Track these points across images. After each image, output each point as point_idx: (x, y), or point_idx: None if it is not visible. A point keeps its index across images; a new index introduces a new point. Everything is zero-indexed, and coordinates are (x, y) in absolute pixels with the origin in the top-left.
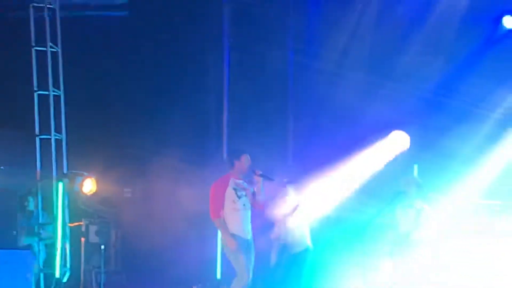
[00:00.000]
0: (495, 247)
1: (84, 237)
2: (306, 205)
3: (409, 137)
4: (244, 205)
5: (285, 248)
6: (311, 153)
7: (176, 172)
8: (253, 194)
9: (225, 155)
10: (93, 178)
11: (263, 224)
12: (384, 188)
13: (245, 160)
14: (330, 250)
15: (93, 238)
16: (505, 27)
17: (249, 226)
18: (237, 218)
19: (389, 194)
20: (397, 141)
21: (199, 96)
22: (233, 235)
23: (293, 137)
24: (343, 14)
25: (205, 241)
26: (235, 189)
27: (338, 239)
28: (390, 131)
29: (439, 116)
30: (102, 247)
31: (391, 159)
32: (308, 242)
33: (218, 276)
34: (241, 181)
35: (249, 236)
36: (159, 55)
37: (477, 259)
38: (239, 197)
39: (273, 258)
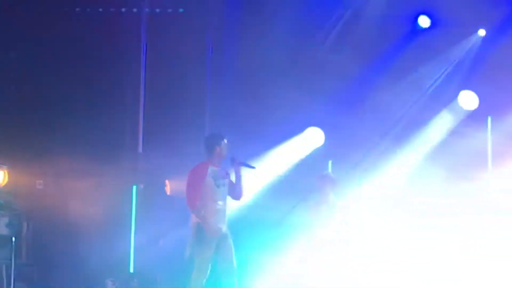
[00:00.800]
0: (410, 241)
1: None
2: None
3: (323, 133)
4: (222, 195)
5: None
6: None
7: (90, 165)
8: (232, 183)
9: (140, 148)
10: (4, 169)
11: (179, 218)
12: (299, 184)
13: (225, 146)
14: (243, 248)
15: (3, 230)
16: (420, 26)
17: (225, 219)
18: (212, 209)
19: (303, 191)
20: (312, 138)
21: (115, 91)
22: (205, 227)
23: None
24: (260, 17)
25: (118, 234)
26: (214, 178)
27: (251, 236)
28: (305, 128)
29: (354, 113)
30: (13, 239)
31: (306, 155)
32: None
33: (131, 269)
34: (219, 169)
35: (222, 230)
36: (74, 50)
37: (391, 254)
38: (218, 187)
39: (188, 252)
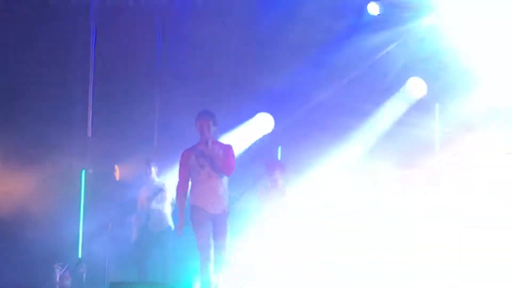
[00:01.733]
0: (361, 224)
1: None
2: (170, 186)
3: (273, 119)
4: (208, 174)
5: (146, 227)
6: (176, 135)
7: (38, 150)
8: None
9: (89, 132)
10: None
11: (128, 203)
12: (248, 170)
13: (197, 125)
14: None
15: None
16: (369, 14)
17: (217, 198)
18: (200, 189)
19: (253, 176)
20: (262, 123)
21: (64, 74)
22: (194, 207)
23: (158, 119)
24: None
25: (67, 219)
26: (197, 157)
27: None
28: (256, 113)
29: (304, 101)
30: None
31: (256, 140)
32: (170, 222)
33: (80, 255)
34: (208, 148)
35: (216, 210)
36: (21, 33)
37: (342, 238)
38: (202, 166)
39: (134, 236)
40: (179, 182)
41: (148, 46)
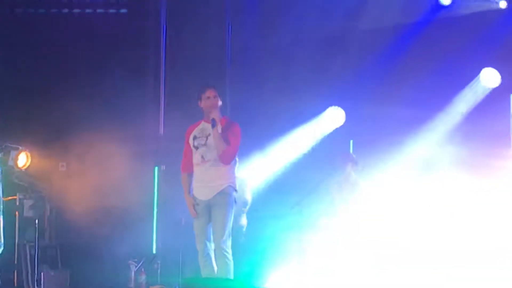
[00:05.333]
0: (434, 217)
1: (18, 211)
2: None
3: (344, 112)
4: (202, 156)
5: None
6: (250, 132)
7: (112, 148)
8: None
9: (161, 130)
10: (27, 152)
11: None
12: (320, 164)
13: (205, 99)
14: (266, 225)
15: (28, 212)
16: (442, 3)
17: (211, 181)
18: (195, 174)
19: (325, 170)
20: (333, 117)
21: (136, 72)
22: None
23: (231, 111)
24: None
25: (141, 215)
26: (194, 138)
27: (274, 214)
28: (327, 107)
29: (375, 94)
30: (36, 221)
31: (327, 134)
32: (243, 220)
33: (154, 250)
34: (215, 124)
35: (209, 194)
36: (95, 32)
37: (416, 231)
38: (197, 148)
39: None
40: (182, 160)
41: (218, 43)
